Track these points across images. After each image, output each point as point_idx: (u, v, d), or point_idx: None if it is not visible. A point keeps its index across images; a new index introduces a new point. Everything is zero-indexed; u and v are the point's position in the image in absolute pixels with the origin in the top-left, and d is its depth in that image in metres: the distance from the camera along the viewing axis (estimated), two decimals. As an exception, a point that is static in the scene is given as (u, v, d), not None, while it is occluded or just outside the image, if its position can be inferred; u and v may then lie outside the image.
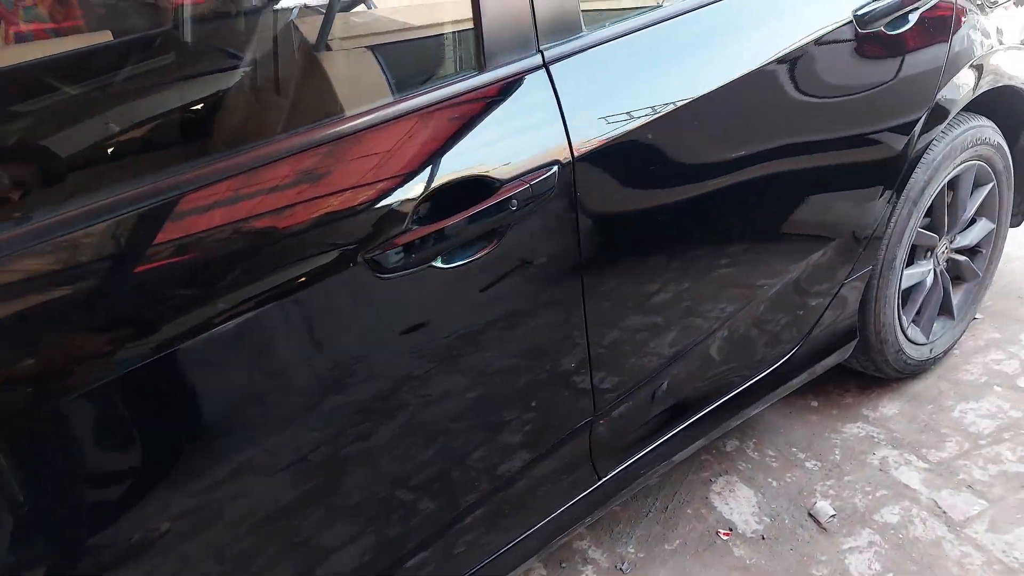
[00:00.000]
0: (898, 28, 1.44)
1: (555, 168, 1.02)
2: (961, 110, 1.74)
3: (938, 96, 1.55)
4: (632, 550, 1.64)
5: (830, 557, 1.55)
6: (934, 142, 1.67)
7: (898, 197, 1.60)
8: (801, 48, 1.31)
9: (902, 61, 1.47)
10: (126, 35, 1.66)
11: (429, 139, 0.95)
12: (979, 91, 1.69)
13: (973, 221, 1.98)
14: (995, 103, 1.83)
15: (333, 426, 0.96)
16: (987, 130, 1.80)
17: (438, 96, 0.97)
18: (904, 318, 1.85)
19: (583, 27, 1.10)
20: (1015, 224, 2.15)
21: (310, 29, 1.33)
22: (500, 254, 0.99)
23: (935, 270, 1.91)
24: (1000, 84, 1.74)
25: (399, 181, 0.93)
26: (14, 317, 0.75)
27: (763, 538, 1.62)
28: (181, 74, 1.63)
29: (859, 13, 1.38)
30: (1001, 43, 1.71)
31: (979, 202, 1.91)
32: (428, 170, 0.94)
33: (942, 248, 1.90)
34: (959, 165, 1.77)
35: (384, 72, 1.11)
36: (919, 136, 1.56)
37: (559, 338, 1.13)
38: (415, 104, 0.96)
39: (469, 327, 1.02)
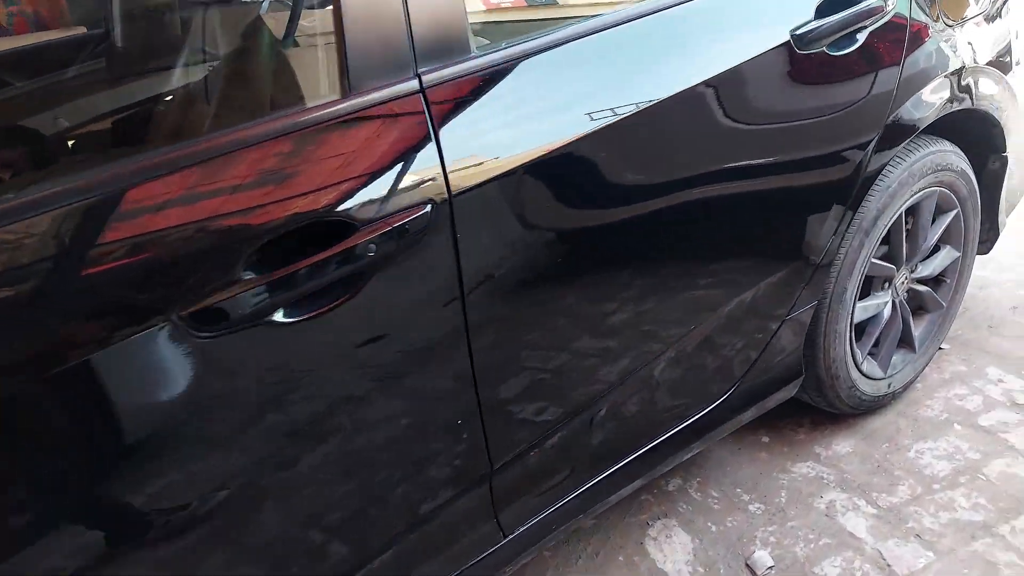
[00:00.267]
0: (843, 49, 1.33)
1: (428, 208, 0.92)
2: (923, 133, 1.64)
3: (889, 121, 1.45)
4: (557, 599, 1.54)
5: (764, 613, 1.45)
6: (888, 169, 1.56)
7: (845, 228, 1.50)
8: (731, 71, 1.20)
9: (847, 84, 1.36)
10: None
11: (275, 173, 0.85)
12: (940, 114, 1.58)
13: (937, 249, 1.87)
14: (960, 126, 1.73)
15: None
16: (950, 155, 1.69)
17: (287, 124, 0.86)
18: (858, 353, 1.74)
19: (472, 48, 1.00)
20: (984, 251, 2.04)
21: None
22: (362, 303, 0.89)
23: (894, 301, 1.81)
24: (963, 107, 1.64)
25: (236, 222, 0.82)
26: None
27: (696, 589, 1.52)
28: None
29: (797, 33, 1.27)
30: (969, 62, 1.60)
31: (942, 230, 1.80)
32: (272, 209, 0.84)
33: (901, 278, 1.80)
34: (918, 192, 1.66)
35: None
36: (868, 163, 1.45)
37: (440, 393, 1.02)
38: (257, 134, 0.85)
39: (325, 387, 0.92)
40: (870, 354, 1.82)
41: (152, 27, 1.59)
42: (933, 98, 1.54)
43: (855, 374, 1.75)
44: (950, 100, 1.59)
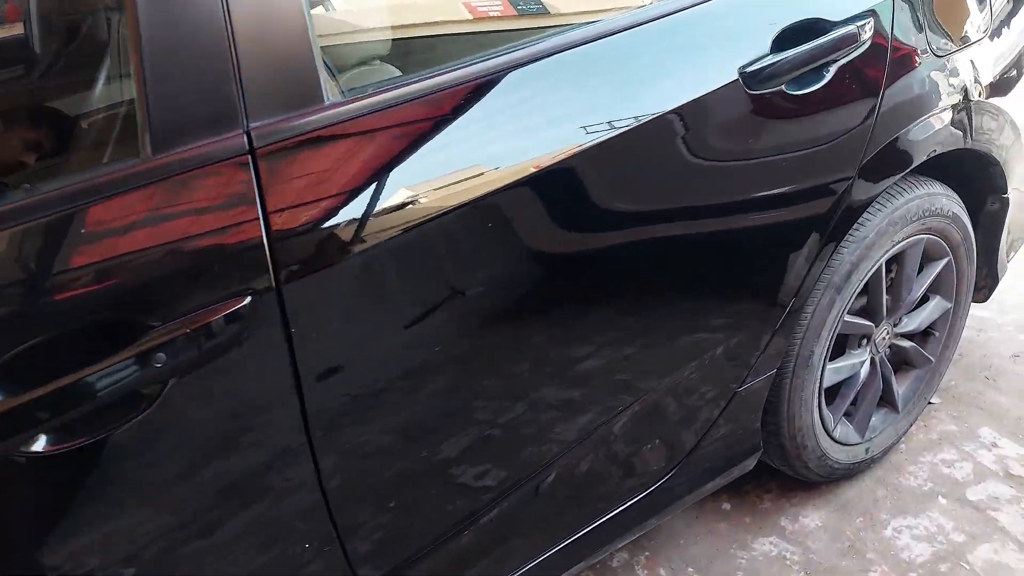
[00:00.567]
0: (806, 86, 1.13)
1: (248, 300, 0.74)
2: (910, 174, 1.44)
3: (863, 166, 1.25)
4: None
5: None
6: (866, 217, 1.37)
7: (811, 287, 1.30)
8: (664, 116, 1.02)
9: (810, 126, 1.16)
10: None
11: (38, 260, 0.68)
12: (928, 156, 1.38)
13: (926, 299, 1.67)
14: (954, 165, 1.53)
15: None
16: (939, 198, 1.49)
17: (64, 195, 0.69)
18: (830, 418, 1.55)
19: (326, 96, 0.81)
20: (981, 299, 1.84)
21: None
22: (154, 422, 0.72)
23: (873, 359, 1.61)
24: (956, 147, 1.43)
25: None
26: None
27: None
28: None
29: (747, 71, 1.08)
30: (965, 96, 1.40)
31: (930, 280, 1.60)
32: (27, 307, 0.66)
33: (882, 334, 1.60)
34: (901, 241, 1.46)
35: None
36: (836, 215, 1.26)
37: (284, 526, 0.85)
38: (24, 207, 0.67)
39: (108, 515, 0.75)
40: (846, 415, 1.63)
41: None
42: (920, 138, 1.34)
43: (825, 442, 1.55)
44: (941, 140, 1.39)
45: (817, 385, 1.47)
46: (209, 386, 0.75)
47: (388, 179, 0.83)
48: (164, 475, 0.76)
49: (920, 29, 1.27)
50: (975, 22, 1.39)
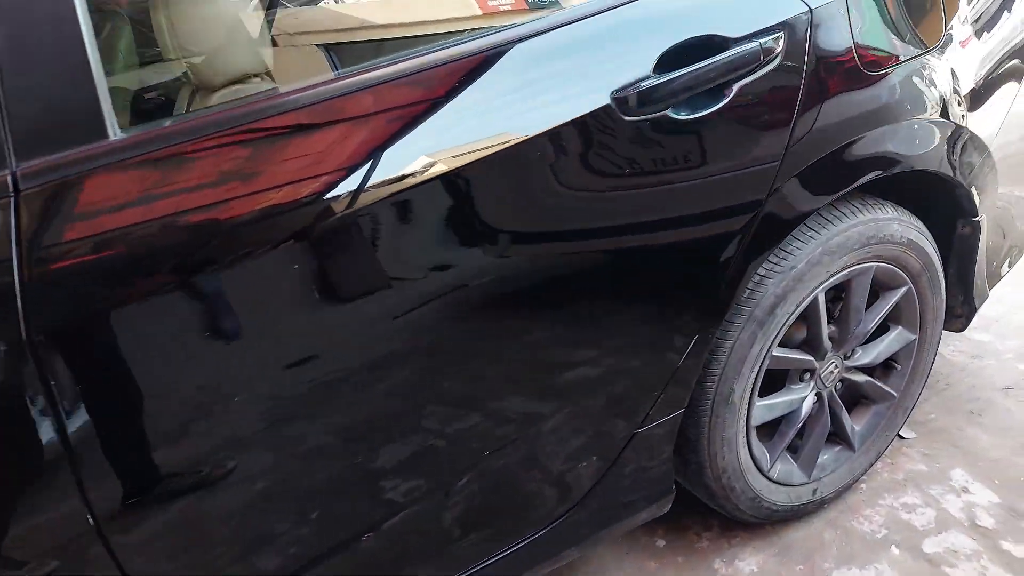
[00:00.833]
0: (698, 110, 1.04)
1: (-2, 351, 0.71)
2: (853, 198, 1.32)
3: (775, 193, 1.14)
4: None
5: None
6: (795, 246, 1.26)
7: (713, 324, 1.21)
8: (517, 148, 0.94)
9: (707, 151, 1.07)
10: None
11: None
12: (861, 182, 1.25)
13: (886, 329, 1.54)
14: (916, 187, 1.40)
15: None
16: (889, 224, 1.36)
17: None
18: (765, 457, 1.44)
19: (113, 130, 0.77)
20: (958, 328, 1.69)
21: None
22: None
23: (820, 394, 1.49)
24: (905, 169, 1.30)
25: None
26: None
27: None
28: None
29: (620, 95, 0.99)
30: (913, 110, 1.26)
31: (885, 310, 1.47)
32: None
33: (829, 368, 1.48)
34: (843, 270, 1.34)
35: None
36: (745, 246, 1.16)
37: None
38: None
39: None
40: (792, 453, 1.52)
41: None
42: (850, 161, 1.22)
43: (760, 483, 1.45)
44: (880, 162, 1.26)
45: (743, 423, 1.36)
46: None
47: (165, 221, 0.78)
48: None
49: (848, 43, 1.15)
50: (925, 34, 1.26)
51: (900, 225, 1.38)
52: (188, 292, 0.80)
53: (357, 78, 0.89)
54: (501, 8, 1.24)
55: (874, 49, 1.19)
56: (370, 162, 0.88)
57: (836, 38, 1.14)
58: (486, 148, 0.92)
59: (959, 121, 1.34)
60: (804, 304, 1.33)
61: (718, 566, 1.52)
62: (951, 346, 2.08)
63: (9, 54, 0.72)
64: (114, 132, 0.77)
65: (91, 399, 0.76)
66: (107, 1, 1.36)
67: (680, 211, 1.08)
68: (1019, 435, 1.74)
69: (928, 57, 1.28)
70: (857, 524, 1.58)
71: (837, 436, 1.57)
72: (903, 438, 1.77)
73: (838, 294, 1.44)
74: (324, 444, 0.96)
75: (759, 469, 1.44)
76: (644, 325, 1.14)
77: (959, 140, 1.36)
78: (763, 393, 1.46)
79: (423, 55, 0.93)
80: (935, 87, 1.29)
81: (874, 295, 1.47)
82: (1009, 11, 1.41)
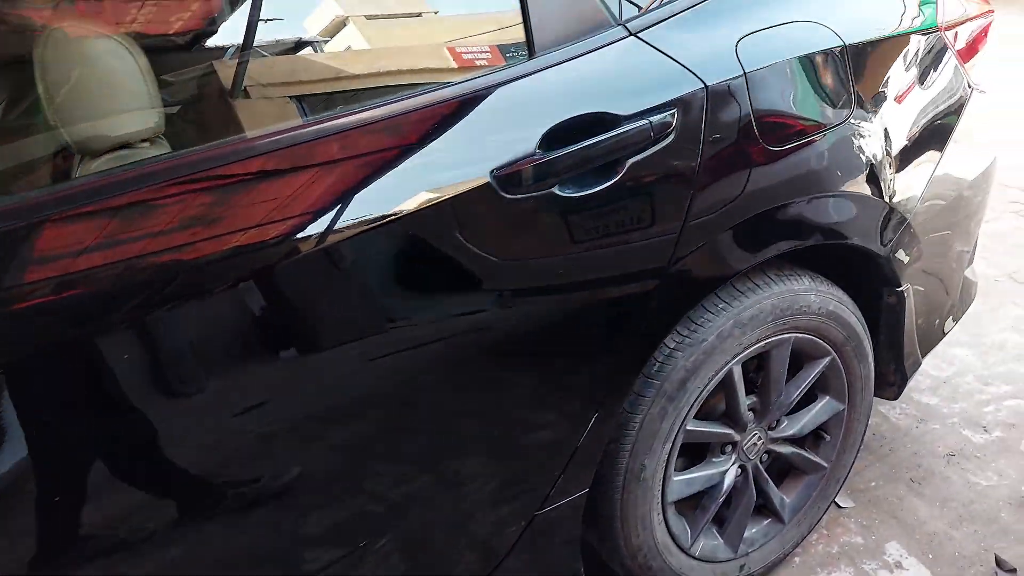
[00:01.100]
0: (587, 188, 1.02)
1: None
2: (766, 270, 1.31)
3: (673, 271, 1.12)
4: None
5: None
6: (705, 318, 1.24)
7: (615, 401, 1.18)
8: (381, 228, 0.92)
9: (598, 229, 1.05)
10: None
11: None
12: (764, 257, 1.24)
13: (814, 398, 1.51)
14: (843, 258, 1.40)
15: None
16: (806, 295, 1.34)
17: None
18: (686, 533, 1.40)
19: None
20: (891, 396, 1.67)
21: None
22: None
23: (746, 467, 1.46)
24: (818, 242, 1.29)
25: None
26: None
27: None
28: None
29: (501, 174, 0.97)
30: (822, 184, 1.25)
31: (809, 381, 1.45)
32: None
33: (751, 440, 1.45)
34: (758, 343, 1.32)
35: None
36: (646, 323, 1.14)
37: None
38: None
39: None
40: (718, 527, 1.48)
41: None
42: (754, 237, 1.20)
43: (679, 561, 1.40)
44: (785, 237, 1.25)
45: (658, 500, 1.32)
46: None
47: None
48: None
49: (748, 119, 1.14)
50: (834, 106, 1.25)
51: (818, 296, 1.36)
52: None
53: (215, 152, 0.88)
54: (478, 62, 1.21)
55: (777, 124, 1.18)
56: (241, 233, 0.86)
57: (734, 114, 1.13)
58: (365, 221, 0.90)
59: (874, 192, 1.33)
60: (718, 377, 1.30)
61: (641, 646, 1.47)
62: (897, 408, 2.05)
63: None
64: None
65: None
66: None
67: (572, 287, 1.06)
68: (957, 507, 1.70)
69: (839, 129, 1.27)
70: (787, 601, 1.53)
71: (766, 509, 1.53)
72: (841, 507, 1.72)
73: (762, 363, 1.41)
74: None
75: (679, 546, 1.40)
76: (539, 404, 1.11)
77: (875, 211, 1.35)
78: (690, 464, 1.43)
79: (310, 124, 0.92)
80: (846, 159, 1.28)
81: (800, 364, 1.45)
82: (922, 85, 1.41)
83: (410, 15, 1.28)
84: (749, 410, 1.41)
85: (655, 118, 1.06)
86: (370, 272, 0.94)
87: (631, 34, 1.10)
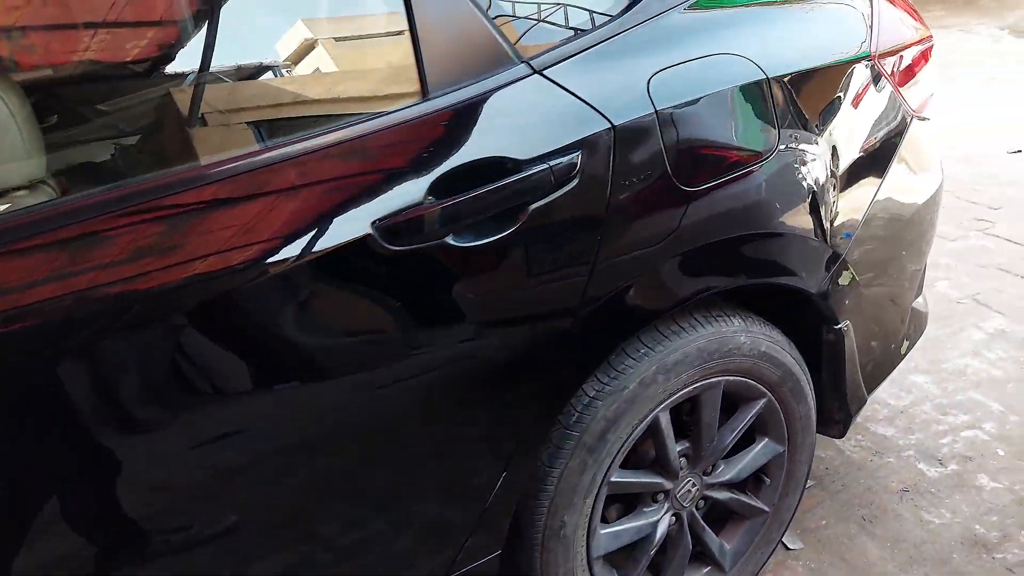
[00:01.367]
0: (484, 236, 0.96)
1: None
2: (693, 313, 1.25)
3: (584, 319, 1.06)
4: None
5: None
6: (626, 364, 1.18)
7: (527, 458, 1.12)
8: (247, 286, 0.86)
9: (497, 281, 0.99)
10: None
11: None
12: (687, 299, 1.18)
13: (752, 440, 1.46)
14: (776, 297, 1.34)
15: None
16: (736, 337, 1.28)
17: None
18: (616, 587, 1.34)
19: None
20: (835, 434, 1.61)
21: None
22: None
23: (681, 515, 1.39)
24: (744, 284, 1.24)
25: None
26: None
27: None
28: None
29: (385, 225, 0.91)
30: (745, 225, 1.20)
31: (744, 424, 1.39)
32: None
33: (685, 487, 1.38)
34: (685, 388, 1.26)
35: None
36: (559, 374, 1.08)
37: None
38: None
39: None
40: (652, 574, 1.41)
41: None
42: (672, 279, 1.15)
43: (610, 616, 1.34)
44: (707, 279, 1.20)
45: (583, 555, 1.26)
46: None
47: None
48: None
49: (660, 159, 1.08)
50: (751, 144, 1.19)
51: (749, 337, 1.30)
52: None
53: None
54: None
55: (693, 163, 1.12)
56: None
57: (645, 154, 1.07)
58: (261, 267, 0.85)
59: (805, 229, 1.28)
60: (644, 425, 1.24)
61: None
62: (852, 440, 2.00)
63: None
64: None
65: None
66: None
67: (470, 339, 1.00)
68: (909, 548, 1.64)
69: (763, 165, 1.21)
70: (728, 653, 1.46)
71: (704, 557, 1.47)
72: (789, 548, 1.66)
73: (694, 407, 1.36)
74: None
75: (609, 601, 1.33)
76: (441, 463, 1.05)
77: (806, 248, 1.29)
78: (626, 511, 1.37)
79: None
80: (772, 195, 1.23)
81: (735, 407, 1.40)
82: (855, 114, 1.36)
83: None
84: (681, 456, 1.35)
85: (558, 161, 1.00)
86: (272, 317, 0.89)
87: (535, 71, 1.05)
